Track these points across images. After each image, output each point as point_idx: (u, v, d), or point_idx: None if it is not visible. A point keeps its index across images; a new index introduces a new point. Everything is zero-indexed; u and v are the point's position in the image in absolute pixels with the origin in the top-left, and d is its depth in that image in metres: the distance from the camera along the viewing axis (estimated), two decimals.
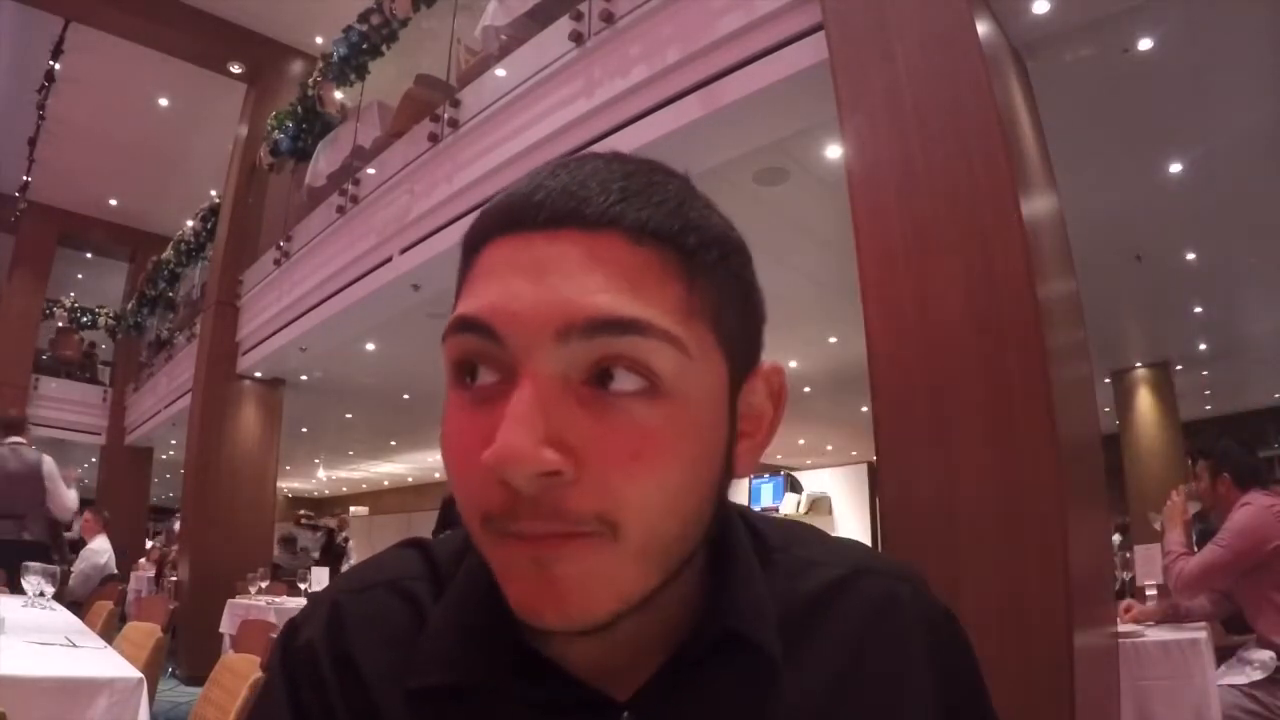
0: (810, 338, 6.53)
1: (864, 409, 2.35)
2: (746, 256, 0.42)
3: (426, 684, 0.42)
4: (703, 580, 0.44)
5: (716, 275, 0.39)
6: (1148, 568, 2.82)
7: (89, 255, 11.90)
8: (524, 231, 0.37)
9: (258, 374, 7.29)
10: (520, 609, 0.37)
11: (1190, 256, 5.39)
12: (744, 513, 0.50)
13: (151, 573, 8.43)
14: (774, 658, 0.42)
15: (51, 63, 7.54)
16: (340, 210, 5.74)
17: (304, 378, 7.59)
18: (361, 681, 0.43)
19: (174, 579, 7.17)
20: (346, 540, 9.26)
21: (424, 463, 15.20)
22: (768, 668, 0.42)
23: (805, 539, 0.50)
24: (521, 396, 0.34)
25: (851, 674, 0.45)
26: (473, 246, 0.40)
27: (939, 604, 0.50)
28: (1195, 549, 2.62)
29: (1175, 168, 4.15)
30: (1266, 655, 2.39)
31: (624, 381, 0.35)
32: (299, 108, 6.51)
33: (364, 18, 5.56)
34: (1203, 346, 7.61)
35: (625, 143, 3.53)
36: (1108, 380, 7.85)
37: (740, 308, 0.41)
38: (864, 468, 11.32)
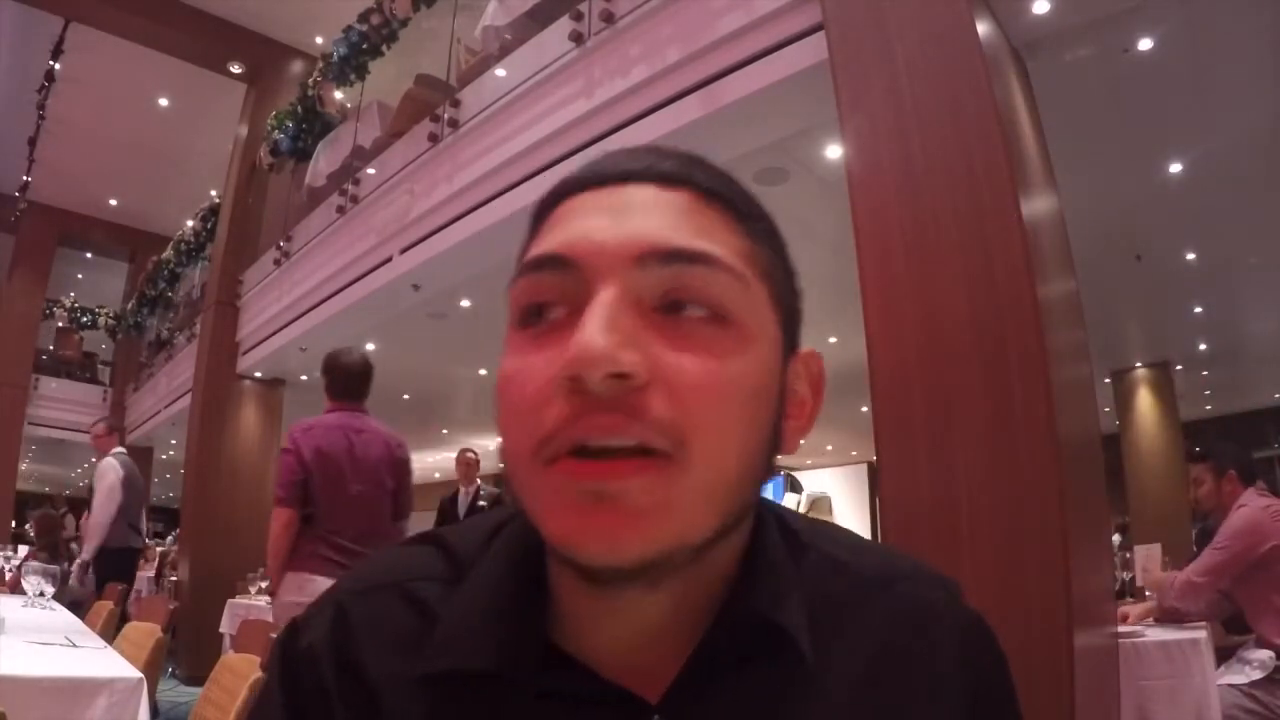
0: (810, 338, 6.42)
1: (864, 409, 2.35)
2: (785, 242, 0.45)
3: (443, 668, 0.40)
4: (734, 564, 0.43)
5: (769, 244, 0.42)
6: (1148, 567, 2.83)
7: (89, 255, 11.90)
8: (600, 185, 0.40)
9: (258, 374, 7.29)
10: (567, 539, 0.35)
11: (1190, 256, 5.39)
12: (772, 506, 0.49)
13: (151, 573, 8.42)
14: (804, 651, 0.41)
15: (51, 63, 7.55)
16: (340, 210, 5.74)
17: (304, 378, 7.59)
18: (367, 686, 0.42)
19: (174, 579, 7.17)
20: None
21: (424, 463, 15.20)
22: (798, 663, 0.41)
23: (834, 537, 0.50)
24: (599, 301, 0.36)
25: (880, 679, 0.44)
26: (545, 208, 0.42)
27: (973, 612, 0.49)
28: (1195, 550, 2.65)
29: (1175, 168, 4.15)
30: (1266, 655, 2.40)
31: (694, 310, 0.37)
32: (299, 108, 6.52)
33: (364, 18, 5.56)
34: (1203, 346, 7.61)
35: (625, 143, 3.50)
36: (1108, 380, 7.84)
37: (787, 280, 0.43)
38: (864, 468, 11.34)
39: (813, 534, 0.49)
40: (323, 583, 2.50)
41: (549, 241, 0.39)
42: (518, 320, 0.39)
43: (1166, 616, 2.67)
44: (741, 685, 0.41)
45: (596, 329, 0.34)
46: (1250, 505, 2.54)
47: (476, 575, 0.44)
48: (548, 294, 0.38)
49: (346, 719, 0.42)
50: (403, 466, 2.88)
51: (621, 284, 0.36)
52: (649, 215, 0.38)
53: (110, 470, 4.59)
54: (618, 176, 0.40)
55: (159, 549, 9.27)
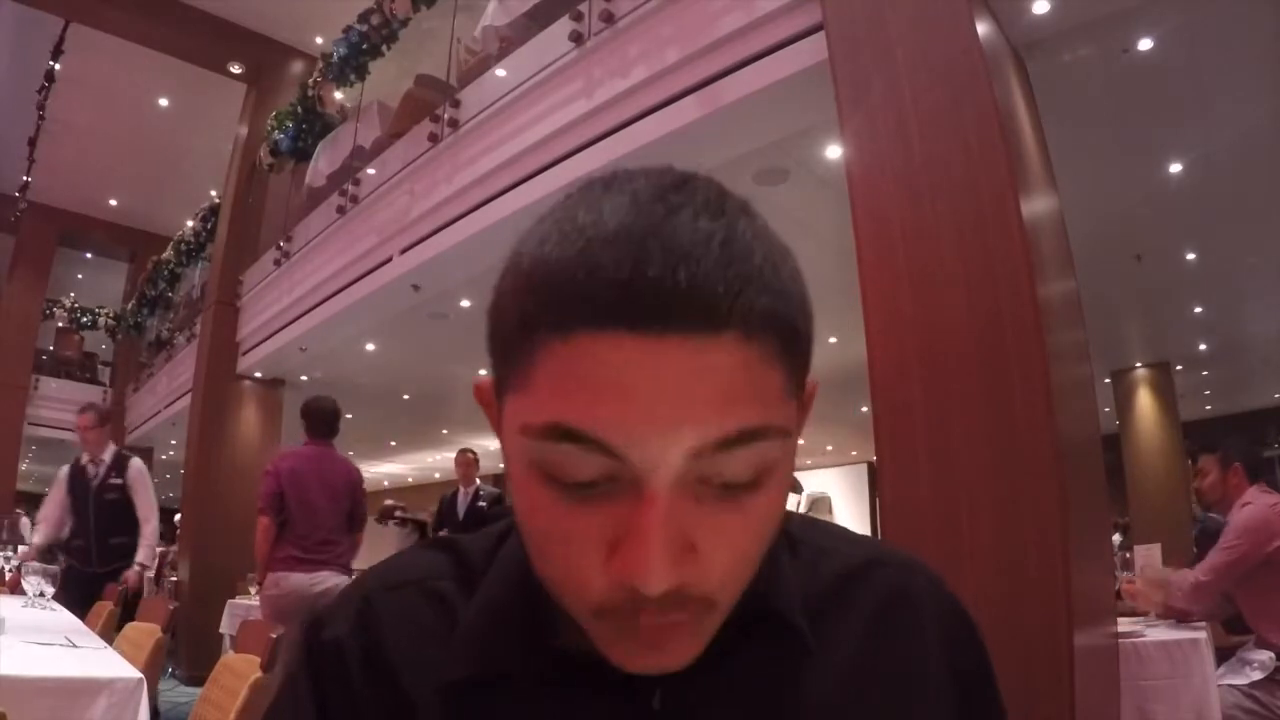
0: None
1: (864, 409, 2.35)
2: (807, 294, 0.38)
3: (463, 675, 0.43)
4: None
5: (804, 343, 0.37)
6: (1147, 566, 2.83)
7: (89, 255, 11.92)
8: (621, 331, 0.32)
9: (258, 374, 7.30)
10: (626, 668, 0.38)
11: (1190, 256, 5.39)
12: None
13: (151, 573, 8.42)
14: (805, 636, 0.44)
15: (51, 63, 7.55)
16: (340, 210, 5.74)
17: (304, 378, 7.59)
18: (395, 678, 0.44)
19: (174, 579, 7.17)
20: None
21: (424, 463, 15.20)
22: (799, 646, 0.44)
23: (824, 528, 0.52)
24: (653, 515, 0.33)
25: (872, 656, 0.46)
26: (539, 326, 0.34)
27: (953, 596, 0.52)
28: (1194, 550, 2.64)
29: (1175, 168, 4.15)
30: (1266, 656, 2.39)
31: (740, 478, 0.35)
32: (299, 108, 6.52)
33: (364, 18, 5.56)
34: (1203, 346, 7.61)
35: (625, 143, 3.53)
36: (1108, 380, 7.85)
37: (809, 354, 0.38)
38: (864, 468, 11.34)
39: (800, 526, 0.51)
40: (295, 578, 3.37)
41: (573, 406, 0.33)
42: (543, 474, 0.35)
43: (1169, 614, 2.66)
44: (742, 665, 0.43)
45: (657, 552, 0.33)
46: (1256, 503, 2.51)
47: (487, 584, 0.46)
48: (585, 474, 0.34)
49: (371, 708, 0.44)
50: (357, 488, 3.64)
51: (673, 481, 0.34)
52: (692, 393, 0.32)
53: (145, 470, 4.25)
54: (647, 319, 0.32)
55: (159, 549, 9.26)
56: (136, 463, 4.22)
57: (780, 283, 0.35)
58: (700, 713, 0.43)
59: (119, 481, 4.12)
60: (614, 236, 0.33)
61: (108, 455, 4.16)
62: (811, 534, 0.51)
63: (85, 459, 4.17)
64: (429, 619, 0.46)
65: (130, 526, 4.10)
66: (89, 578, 3.97)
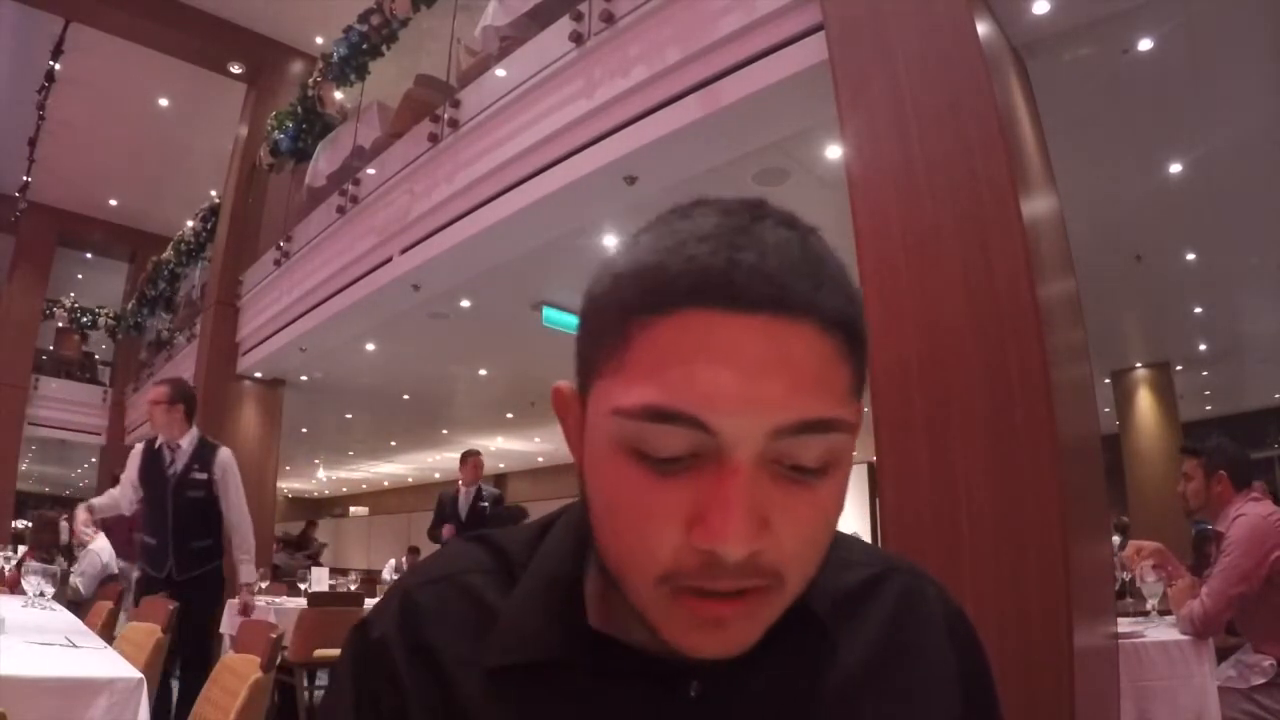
0: None
1: (864, 409, 2.35)
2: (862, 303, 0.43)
3: (504, 662, 0.45)
4: None
5: (866, 346, 0.41)
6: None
7: (89, 255, 11.91)
8: (716, 310, 0.36)
9: (258, 374, 7.30)
10: (680, 647, 0.40)
11: (1190, 256, 5.39)
12: None
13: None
14: (830, 630, 0.47)
15: (51, 63, 7.55)
16: (340, 210, 5.74)
17: (304, 378, 7.60)
18: (439, 667, 0.46)
19: None
20: None
21: (424, 463, 15.20)
22: (825, 639, 0.47)
23: (844, 541, 0.55)
24: (737, 484, 0.37)
25: (890, 656, 0.50)
26: (636, 309, 0.38)
27: (957, 604, 0.56)
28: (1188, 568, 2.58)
29: (1175, 168, 4.15)
30: (1268, 662, 2.37)
31: (809, 464, 0.39)
32: (299, 108, 6.52)
33: (364, 18, 5.57)
34: (1203, 346, 7.61)
35: (625, 143, 3.53)
36: (1108, 380, 7.85)
37: (866, 361, 0.42)
38: (864, 468, 11.32)
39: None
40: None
41: (670, 389, 0.36)
42: (630, 451, 0.38)
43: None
44: (771, 658, 0.45)
45: (739, 517, 0.36)
46: (1249, 514, 2.41)
47: (530, 577, 0.49)
48: (675, 448, 0.37)
49: (419, 700, 0.46)
50: None
51: (754, 457, 0.37)
52: (778, 374, 0.36)
53: (234, 464, 3.59)
54: (739, 303, 0.36)
55: None
56: (224, 455, 3.56)
57: (849, 289, 0.40)
58: (734, 703, 0.45)
59: (203, 477, 3.47)
60: (708, 234, 0.38)
61: (187, 442, 3.49)
62: (835, 547, 0.52)
63: (160, 441, 3.53)
64: (468, 610, 0.48)
65: (215, 528, 3.54)
66: (164, 585, 3.37)
